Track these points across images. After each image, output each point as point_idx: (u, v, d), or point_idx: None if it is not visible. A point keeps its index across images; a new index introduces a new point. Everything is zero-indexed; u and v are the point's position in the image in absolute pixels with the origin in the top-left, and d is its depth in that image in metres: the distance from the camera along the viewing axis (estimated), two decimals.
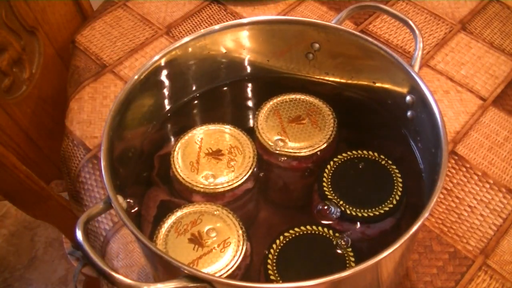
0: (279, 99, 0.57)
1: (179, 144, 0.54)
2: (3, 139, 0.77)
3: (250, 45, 0.58)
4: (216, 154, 0.53)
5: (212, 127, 0.55)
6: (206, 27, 0.59)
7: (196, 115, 0.60)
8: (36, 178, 0.80)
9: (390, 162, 0.52)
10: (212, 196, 0.51)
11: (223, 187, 0.51)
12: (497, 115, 0.70)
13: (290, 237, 0.48)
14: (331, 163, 0.52)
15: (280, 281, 0.45)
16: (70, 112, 0.73)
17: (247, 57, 0.59)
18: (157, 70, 0.53)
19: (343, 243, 0.47)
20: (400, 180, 0.51)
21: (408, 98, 0.52)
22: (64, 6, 0.85)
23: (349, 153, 0.53)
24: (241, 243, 0.47)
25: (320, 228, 0.48)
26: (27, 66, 0.80)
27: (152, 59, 0.53)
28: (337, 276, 0.38)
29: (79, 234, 0.40)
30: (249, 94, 0.62)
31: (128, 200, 0.51)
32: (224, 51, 0.57)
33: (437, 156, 0.45)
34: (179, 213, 0.49)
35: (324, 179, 0.51)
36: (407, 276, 0.57)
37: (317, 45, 0.56)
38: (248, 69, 0.60)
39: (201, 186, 0.51)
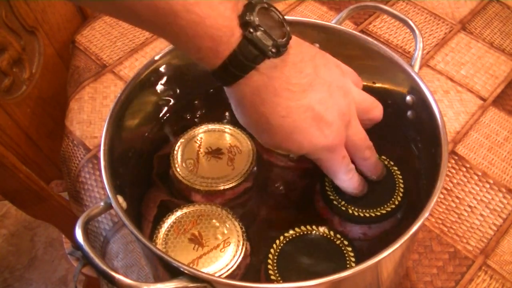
0: None
1: (178, 144, 0.54)
2: (3, 139, 0.77)
3: None
4: (215, 153, 0.53)
5: (212, 126, 0.56)
6: None
7: (196, 115, 0.60)
8: (36, 178, 0.80)
9: (392, 163, 0.52)
10: (211, 195, 0.51)
11: (223, 186, 0.51)
12: (497, 115, 0.70)
13: (291, 237, 0.48)
14: None
15: (280, 281, 0.45)
16: (70, 112, 0.73)
17: None
18: (157, 70, 0.53)
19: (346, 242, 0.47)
20: (401, 180, 0.51)
21: (408, 98, 0.52)
22: (64, 6, 0.85)
23: None
24: (241, 243, 0.47)
25: (320, 228, 0.48)
26: (27, 66, 0.80)
27: (152, 59, 0.53)
28: (337, 276, 0.38)
29: (79, 234, 0.40)
30: None
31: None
32: None
33: (437, 156, 0.45)
34: (179, 213, 0.49)
35: (326, 179, 0.51)
36: (407, 276, 0.57)
37: (317, 45, 0.56)
38: None
39: (201, 185, 0.51)
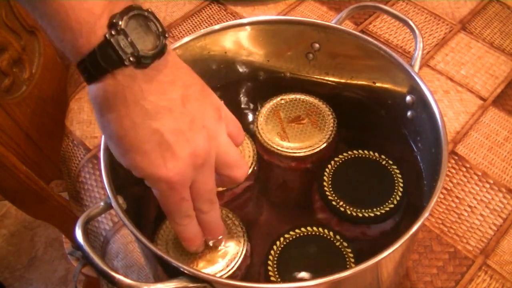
0: (279, 99, 0.57)
1: None
2: (3, 139, 0.77)
3: (250, 45, 0.58)
4: None
5: None
6: (206, 27, 0.59)
7: None
8: (36, 178, 0.80)
9: (390, 162, 0.52)
10: None
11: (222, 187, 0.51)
12: (497, 115, 0.70)
13: (291, 239, 0.48)
14: (332, 163, 0.52)
15: (281, 282, 0.45)
16: (70, 112, 0.73)
17: (247, 57, 0.59)
18: None
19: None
20: (400, 180, 0.51)
21: (408, 98, 0.52)
22: None
23: (349, 153, 0.53)
24: (242, 243, 0.47)
25: (320, 229, 0.48)
26: (27, 66, 0.80)
27: None
28: (337, 276, 0.38)
29: (79, 234, 0.40)
30: (249, 94, 0.62)
31: None
32: (224, 51, 0.57)
33: (437, 156, 0.45)
34: None
35: (325, 179, 0.51)
36: (407, 276, 0.57)
37: (317, 45, 0.56)
38: (248, 69, 0.60)
39: None
